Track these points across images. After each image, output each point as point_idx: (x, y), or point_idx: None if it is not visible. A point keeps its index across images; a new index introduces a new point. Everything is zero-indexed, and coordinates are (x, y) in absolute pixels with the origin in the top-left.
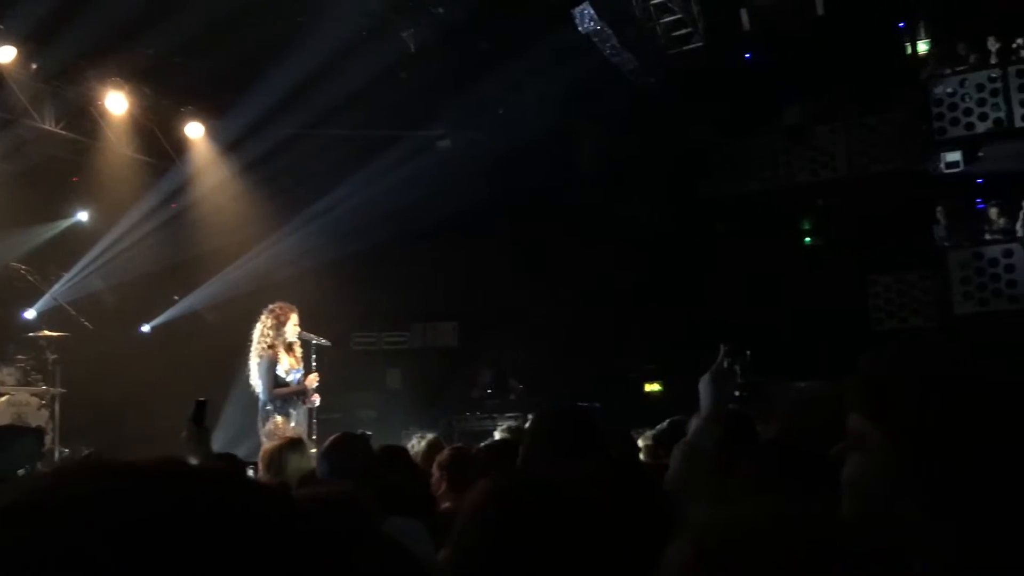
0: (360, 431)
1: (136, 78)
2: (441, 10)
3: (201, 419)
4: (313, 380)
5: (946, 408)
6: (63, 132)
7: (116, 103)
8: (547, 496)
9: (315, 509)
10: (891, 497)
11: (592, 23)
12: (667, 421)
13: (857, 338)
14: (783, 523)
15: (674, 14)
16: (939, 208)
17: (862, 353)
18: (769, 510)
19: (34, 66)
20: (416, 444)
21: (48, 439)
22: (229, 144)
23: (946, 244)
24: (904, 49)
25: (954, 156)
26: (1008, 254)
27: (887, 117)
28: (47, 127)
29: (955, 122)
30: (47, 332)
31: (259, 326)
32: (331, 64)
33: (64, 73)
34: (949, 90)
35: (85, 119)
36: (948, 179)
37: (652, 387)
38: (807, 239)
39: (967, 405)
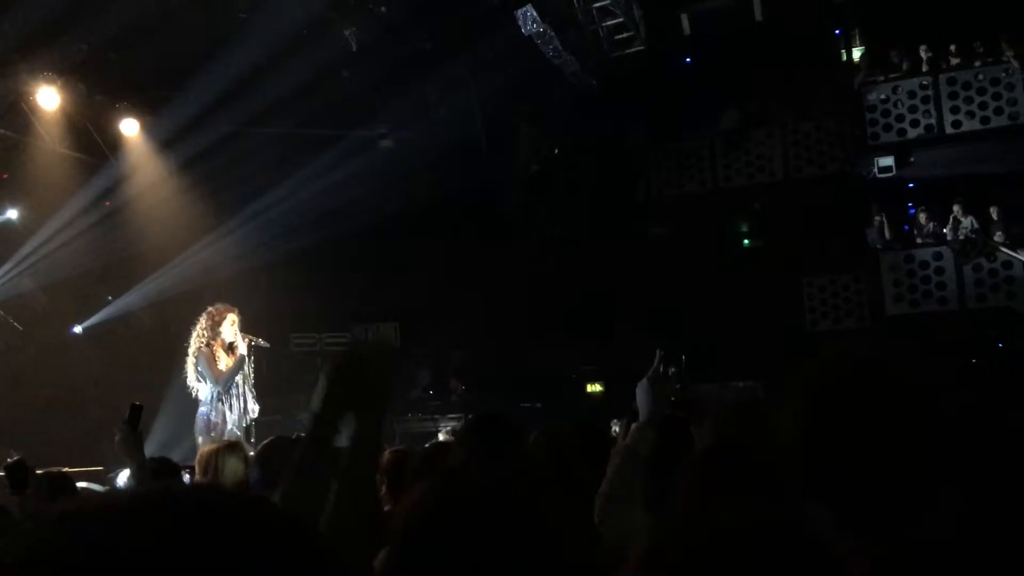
0: (296, 434)
1: (69, 72)
2: (383, 9)
3: (136, 423)
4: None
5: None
6: None
7: (48, 98)
8: (485, 494)
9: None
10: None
11: (535, 25)
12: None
13: (792, 339)
14: (739, 523)
15: (616, 18)
16: (873, 213)
17: (796, 353)
18: (724, 511)
19: None
20: None
21: None
22: (165, 141)
23: (878, 247)
24: (839, 56)
25: (887, 161)
26: (938, 257)
27: (822, 122)
28: None
29: (888, 128)
30: None
31: (195, 328)
32: (271, 61)
33: None
34: (882, 96)
35: (15, 114)
36: (881, 184)
37: (594, 388)
38: (744, 241)
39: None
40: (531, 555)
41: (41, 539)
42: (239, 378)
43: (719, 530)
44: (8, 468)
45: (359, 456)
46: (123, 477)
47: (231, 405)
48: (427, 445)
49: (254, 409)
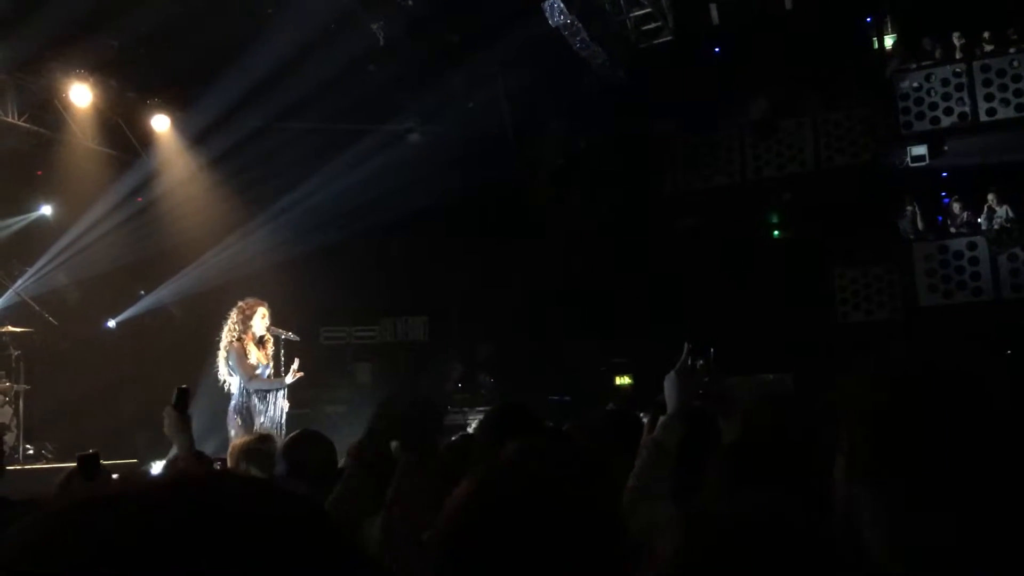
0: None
1: (101, 70)
2: (410, 3)
3: (184, 406)
4: (295, 374)
5: (899, 405)
6: (26, 125)
7: (80, 95)
8: (531, 483)
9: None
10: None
11: (562, 16)
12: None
13: (823, 331)
14: (776, 517)
15: (644, 8)
16: (906, 203)
17: (827, 345)
18: (762, 505)
19: None
20: None
21: (12, 436)
22: (196, 137)
23: (911, 237)
24: (871, 44)
25: (920, 150)
26: (972, 247)
27: (853, 111)
28: (10, 120)
29: (920, 116)
30: (10, 328)
31: (227, 322)
32: (300, 57)
33: (27, 65)
34: (915, 85)
35: (49, 112)
36: (914, 173)
37: (623, 380)
38: (775, 233)
39: (920, 400)
40: (574, 549)
41: (47, 529)
42: (267, 370)
43: (745, 525)
44: (83, 459)
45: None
46: (156, 470)
47: (265, 398)
48: (453, 438)
49: (284, 405)
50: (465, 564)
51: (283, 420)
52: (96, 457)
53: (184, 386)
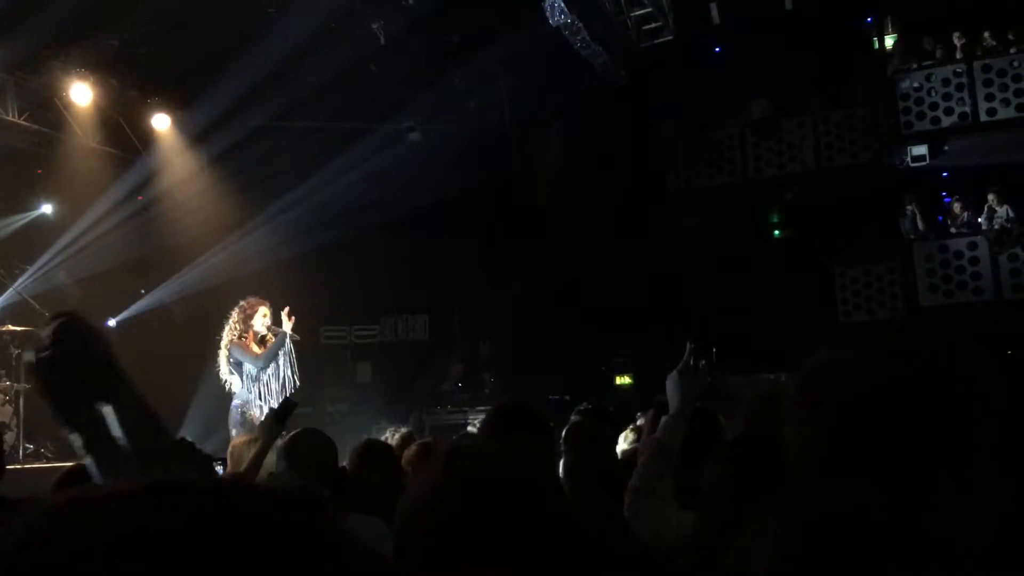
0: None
1: (101, 69)
2: (411, 2)
3: (283, 418)
4: (289, 318)
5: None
6: (27, 124)
7: (81, 94)
8: (501, 473)
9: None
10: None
11: (562, 16)
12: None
13: (824, 330)
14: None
15: (644, 8)
16: (906, 202)
17: (829, 345)
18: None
19: None
20: (390, 438)
21: (12, 435)
22: (197, 136)
23: (912, 237)
24: (871, 43)
25: (920, 150)
26: (973, 247)
27: (854, 111)
28: (10, 119)
29: (921, 116)
30: (10, 327)
31: (228, 321)
32: (300, 55)
33: (28, 64)
34: (915, 84)
35: (49, 110)
36: (914, 173)
37: (623, 380)
38: (775, 232)
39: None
40: (537, 542)
41: (27, 532)
42: (280, 367)
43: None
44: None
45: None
46: None
47: (263, 396)
48: (455, 437)
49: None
50: (419, 545)
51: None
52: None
53: (294, 400)
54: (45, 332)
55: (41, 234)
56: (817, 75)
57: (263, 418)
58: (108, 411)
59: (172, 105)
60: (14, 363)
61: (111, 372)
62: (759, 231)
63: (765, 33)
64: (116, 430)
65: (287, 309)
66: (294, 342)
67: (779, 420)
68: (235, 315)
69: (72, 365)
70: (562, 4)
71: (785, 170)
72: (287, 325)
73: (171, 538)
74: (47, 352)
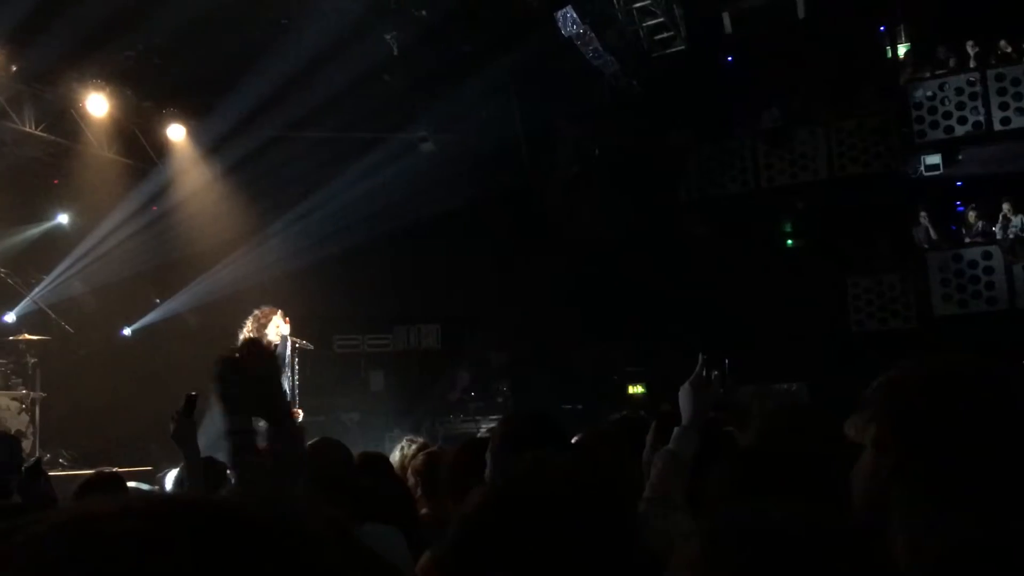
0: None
1: (117, 80)
2: (424, 13)
3: (191, 413)
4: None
5: (941, 405)
6: (43, 134)
7: (97, 105)
8: (543, 497)
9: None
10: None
11: (575, 26)
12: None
13: (836, 340)
14: (793, 523)
15: (656, 17)
16: (919, 211)
17: (842, 354)
18: (780, 510)
19: (14, 68)
20: (406, 449)
21: (28, 444)
22: (211, 146)
23: (926, 246)
24: (884, 52)
25: (934, 159)
26: (987, 256)
27: (867, 120)
28: (27, 129)
29: (935, 125)
30: (27, 336)
31: (242, 330)
32: (314, 66)
33: (44, 75)
34: (929, 93)
35: (66, 121)
36: (928, 182)
37: (635, 389)
38: (788, 241)
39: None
40: (585, 558)
41: (29, 551)
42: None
43: (768, 533)
44: (188, 398)
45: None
46: (171, 477)
47: None
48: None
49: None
50: (474, 571)
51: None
52: (195, 398)
53: (193, 393)
54: (237, 345)
55: (57, 244)
56: (830, 84)
57: (176, 423)
58: (262, 426)
59: (187, 116)
60: (31, 372)
61: (277, 394)
62: (771, 240)
63: (777, 42)
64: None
65: (280, 316)
66: (308, 351)
67: (791, 432)
68: (249, 324)
69: (250, 377)
70: (575, 15)
71: (797, 179)
72: (285, 329)
73: (177, 556)
74: (234, 359)
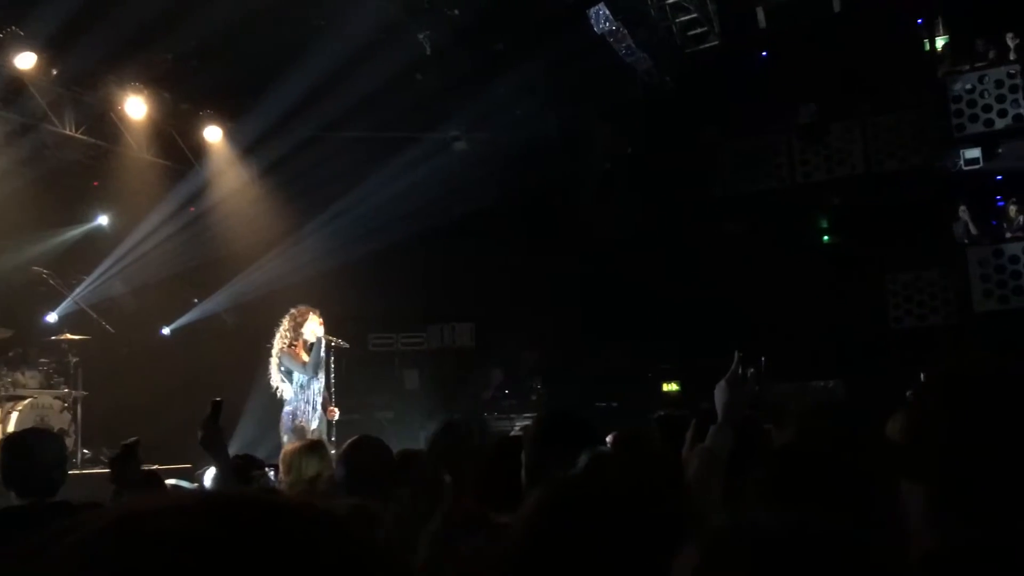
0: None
1: (155, 82)
2: (456, 12)
3: (216, 419)
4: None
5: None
6: (83, 137)
7: (135, 107)
8: (600, 498)
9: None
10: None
11: (607, 23)
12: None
13: (875, 337)
14: (793, 532)
15: (690, 13)
16: (959, 205)
17: (880, 351)
18: (779, 518)
19: (54, 72)
20: None
21: (70, 441)
22: (247, 147)
23: (965, 241)
24: (922, 45)
25: (973, 153)
26: None
27: (904, 114)
28: (67, 132)
29: (974, 119)
30: (69, 335)
31: (279, 329)
32: (347, 66)
33: (84, 78)
34: (968, 86)
35: (105, 124)
36: (967, 176)
37: (670, 387)
38: (824, 237)
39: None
40: (640, 559)
41: (82, 552)
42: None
43: (744, 538)
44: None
45: None
46: (210, 475)
47: (313, 404)
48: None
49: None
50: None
51: (333, 425)
52: (220, 404)
53: (218, 399)
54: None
55: (98, 245)
56: (866, 78)
57: (204, 430)
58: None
59: (223, 117)
60: (72, 371)
61: None
62: (807, 237)
63: (812, 36)
64: None
65: (316, 316)
66: (343, 349)
67: (828, 431)
68: (286, 323)
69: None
70: (607, 12)
71: (833, 175)
72: (319, 330)
73: (219, 551)
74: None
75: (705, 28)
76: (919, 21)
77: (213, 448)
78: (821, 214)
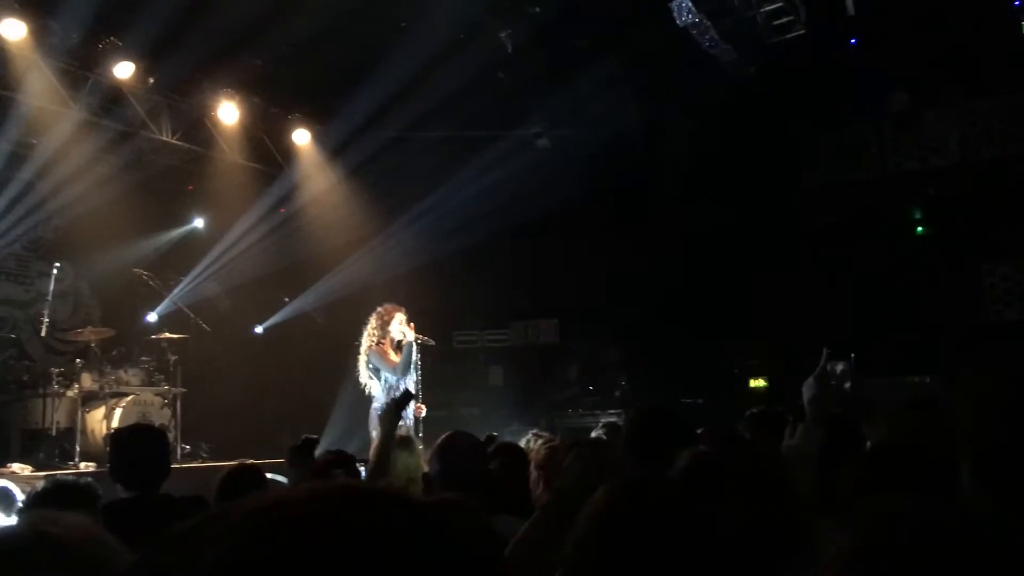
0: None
1: (246, 88)
2: (537, 9)
3: (403, 406)
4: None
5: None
6: (179, 143)
7: (228, 113)
8: (666, 498)
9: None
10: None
11: (690, 15)
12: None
13: (974, 331)
14: (944, 522)
15: (775, 2)
16: None
17: (978, 345)
18: (925, 508)
19: (151, 80)
20: (532, 442)
21: (170, 437)
22: (334, 149)
23: None
24: (1019, 28)
25: None
26: None
27: (1001, 99)
28: (164, 138)
29: None
30: (168, 334)
31: (366, 327)
32: (430, 67)
33: (179, 86)
34: None
35: (199, 129)
36: None
37: (757, 383)
38: (918, 228)
39: None
40: (703, 560)
41: (232, 546)
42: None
43: (897, 528)
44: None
45: None
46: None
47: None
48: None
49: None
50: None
51: (420, 421)
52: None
53: (411, 391)
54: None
55: (194, 247)
56: (960, 64)
57: (383, 408)
58: None
59: (311, 120)
60: (172, 369)
61: None
62: (900, 228)
63: (904, 22)
64: None
65: (407, 320)
66: (430, 347)
67: (922, 428)
68: (373, 321)
69: None
70: (690, 4)
71: (927, 164)
72: (410, 335)
73: (357, 536)
74: None
75: (791, 17)
76: (1016, 3)
77: (386, 426)
78: (914, 204)
